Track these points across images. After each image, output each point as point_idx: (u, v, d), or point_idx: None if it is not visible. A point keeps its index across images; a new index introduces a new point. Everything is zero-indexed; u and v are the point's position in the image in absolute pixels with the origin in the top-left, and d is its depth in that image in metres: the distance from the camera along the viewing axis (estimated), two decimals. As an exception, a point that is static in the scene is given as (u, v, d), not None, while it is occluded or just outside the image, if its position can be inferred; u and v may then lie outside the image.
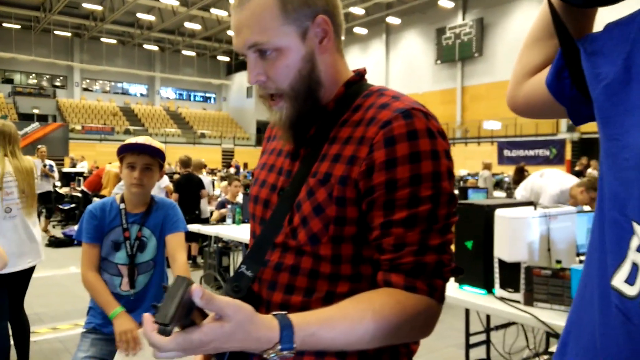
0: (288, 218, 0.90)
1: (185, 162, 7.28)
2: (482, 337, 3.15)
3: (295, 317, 0.74)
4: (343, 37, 0.98)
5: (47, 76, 33.32)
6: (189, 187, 6.81)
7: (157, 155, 2.03)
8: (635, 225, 0.60)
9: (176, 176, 8.63)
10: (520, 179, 10.04)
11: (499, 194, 10.22)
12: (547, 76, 0.81)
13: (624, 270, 0.61)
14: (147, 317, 0.65)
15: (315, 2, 0.88)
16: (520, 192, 5.07)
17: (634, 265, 0.60)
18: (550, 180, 4.58)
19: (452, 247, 0.95)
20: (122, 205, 2.09)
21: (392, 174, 0.82)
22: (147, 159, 2.01)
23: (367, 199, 0.84)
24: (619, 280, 0.62)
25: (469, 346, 3.05)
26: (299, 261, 0.89)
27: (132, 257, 2.06)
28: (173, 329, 0.62)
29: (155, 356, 0.66)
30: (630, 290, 0.60)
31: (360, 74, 0.97)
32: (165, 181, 6.89)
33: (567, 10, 0.78)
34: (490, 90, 23.85)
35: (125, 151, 2.02)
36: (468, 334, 3.04)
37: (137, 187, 2.01)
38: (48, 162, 9.33)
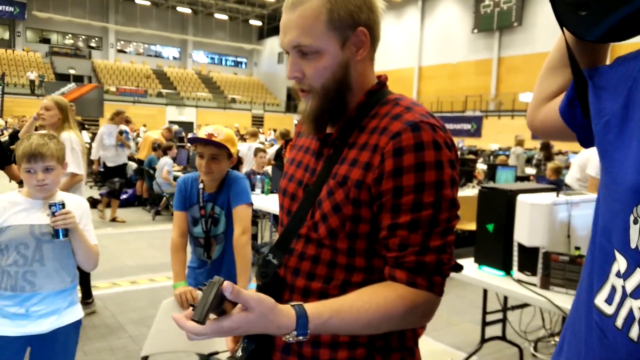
0: (311, 213, 1.00)
1: (285, 134, 7.63)
2: (499, 315, 3.24)
3: (310, 308, 0.86)
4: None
5: (83, 37, 33.84)
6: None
7: (222, 147, 2.21)
8: (617, 253, 0.68)
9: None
10: (549, 155, 9.86)
11: (530, 171, 10.08)
12: (560, 104, 0.87)
13: (605, 291, 0.70)
14: (186, 314, 0.79)
15: (359, 15, 0.97)
16: (572, 175, 4.95)
17: (613, 287, 0.69)
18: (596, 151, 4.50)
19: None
20: (200, 185, 2.32)
21: (399, 181, 0.91)
22: (213, 149, 2.20)
23: (377, 202, 0.94)
24: (600, 300, 0.71)
25: (485, 323, 3.14)
26: (320, 252, 1.00)
27: (207, 232, 2.31)
28: (206, 321, 0.77)
29: (189, 338, 0.80)
30: (608, 309, 0.69)
31: (381, 83, 1.05)
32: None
33: (581, 43, 0.83)
34: (528, 62, 23.10)
35: (194, 142, 2.29)
36: (485, 312, 3.13)
37: (205, 175, 2.24)
38: (123, 127, 7.57)
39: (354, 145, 0.99)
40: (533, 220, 2.37)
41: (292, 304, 0.86)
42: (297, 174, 1.09)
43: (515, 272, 2.43)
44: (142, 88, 31.22)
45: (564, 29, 0.82)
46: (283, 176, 1.16)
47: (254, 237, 5.91)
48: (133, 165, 9.26)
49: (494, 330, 3.22)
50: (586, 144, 0.85)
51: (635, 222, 0.65)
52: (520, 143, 10.89)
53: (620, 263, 0.68)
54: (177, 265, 2.27)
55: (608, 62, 0.83)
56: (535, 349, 3.37)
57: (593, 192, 4.20)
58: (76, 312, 1.98)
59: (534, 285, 2.33)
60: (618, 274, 0.68)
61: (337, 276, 0.98)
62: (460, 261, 1.00)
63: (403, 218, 0.91)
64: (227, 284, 0.78)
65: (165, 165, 7.72)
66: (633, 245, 0.66)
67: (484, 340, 3.14)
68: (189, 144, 8.70)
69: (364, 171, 0.95)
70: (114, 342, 3.41)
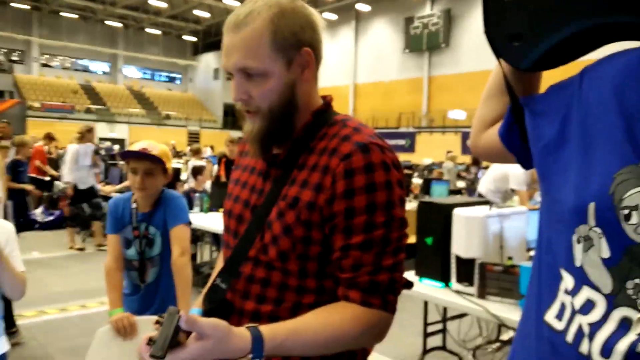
0: (260, 235, 0.99)
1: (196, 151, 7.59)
2: (439, 326, 3.34)
3: (265, 329, 0.84)
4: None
5: (4, 50, 31.84)
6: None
7: (158, 161, 2.12)
8: (562, 271, 0.72)
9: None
10: (478, 170, 10.40)
11: (461, 184, 10.55)
12: (499, 129, 0.92)
13: (555, 308, 0.73)
14: (143, 349, 0.77)
15: (303, 35, 0.97)
16: (486, 186, 5.23)
17: (562, 304, 0.72)
18: (513, 166, 4.81)
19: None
20: (133, 205, 2.20)
21: (351, 202, 0.92)
22: (148, 164, 2.11)
23: (329, 224, 0.95)
24: (550, 316, 0.74)
25: (426, 335, 3.23)
26: (270, 274, 0.98)
27: (141, 253, 2.18)
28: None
29: None
30: (558, 325, 0.72)
31: (327, 104, 1.07)
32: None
33: (516, 72, 0.88)
34: (456, 81, 24.26)
35: (127, 156, 2.16)
36: (426, 324, 3.22)
37: (139, 191, 2.13)
38: (93, 146, 7.19)
39: (304, 166, 0.98)
40: (468, 232, 2.48)
41: (247, 325, 0.84)
42: (243, 195, 1.08)
43: (454, 283, 2.53)
44: (68, 104, 29.72)
45: (500, 59, 0.87)
46: (227, 197, 1.14)
47: (193, 257, 5.76)
48: (59, 185, 8.77)
49: (435, 341, 3.31)
50: (526, 165, 0.89)
51: (579, 241, 0.68)
52: (452, 159, 11.41)
53: (567, 281, 0.71)
54: (113, 292, 2.14)
55: (541, 89, 0.88)
56: (474, 356, 3.49)
57: (523, 204, 4.48)
58: (1, 345, 1.84)
59: (472, 295, 2.42)
60: (566, 291, 0.71)
61: (288, 298, 0.98)
62: None
63: (356, 239, 0.92)
64: (182, 314, 0.76)
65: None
66: (578, 264, 0.69)
67: (425, 351, 3.22)
68: (121, 162, 8.37)
69: (315, 192, 0.94)
70: (42, 375, 3.19)
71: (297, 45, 0.96)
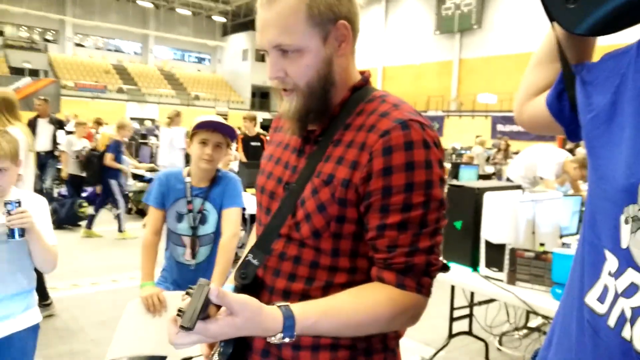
0: (293, 212, 0.96)
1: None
2: (466, 311, 3.30)
3: (297, 309, 0.82)
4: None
5: (39, 29, 32.53)
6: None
7: (228, 135, 2.14)
8: (607, 252, 0.68)
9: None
10: (507, 155, 10.20)
11: (490, 169, 10.38)
12: (547, 97, 0.87)
13: (597, 289, 0.70)
14: (172, 320, 0.75)
15: (339, 8, 0.93)
16: (517, 172, 5.15)
17: (605, 287, 0.68)
18: (544, 155, 4.74)
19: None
20: (187, 179, 2.19)
21: (388, 180, 0.89)
22: (219, 137, 2.12)
23: (365, 202, 0.91)
24: (591, 298, 0.70)
25: (452, 319, 3.20)
26: (302, 252, 0.96)
27: (194, 229, 2.18)
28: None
29: (175, 347, 0.76)
30: (600, 308, 0.68)
31: (365, 79, 1.03)
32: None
33: (570, 37, 0.83)
34: (487, 64, 23.70)
35: (200, 127, 2.13)
36: (452, 308, 3.19)
37: (207, 163, 2.12)
38: (185, 129, 7.00)
39: (340, 142, 0.95)
40: (500, 217, 2.42)
41: (279, 304, 0.83)
42: (277, 171, 1.05)
43: (482, 268, 2.48)
44: (101, 83, 30.26)
45: (554, 23, 0.82)
46: (260, 173, 1.12)
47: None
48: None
49: (461, 326, 3.28)
50: (574, 137, 0.85)
51: (627, 222, 0.64)
52: (481, 143, 11.23)
53: (611, 262, 0.67)
54: (147, 264, 2.16)
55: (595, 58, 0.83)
56: (500, 343, 3.45)
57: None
58: (33, 316, 1.89)
59: (501, 281, 2.38)
60: (610, 273, 0.68)
61: (320, 277, 0.95)
62: None
63: (392, 218, 0.89)
64: (213, 287, 0.74)
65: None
66: (624, 245, 0.65)
67: (451, 335, 3.19)
68: (152, 141, 8.47)
69: (351, 170, 0.92)
70: (75, 345, 3.29)
71: (333, 19, 0.93)
